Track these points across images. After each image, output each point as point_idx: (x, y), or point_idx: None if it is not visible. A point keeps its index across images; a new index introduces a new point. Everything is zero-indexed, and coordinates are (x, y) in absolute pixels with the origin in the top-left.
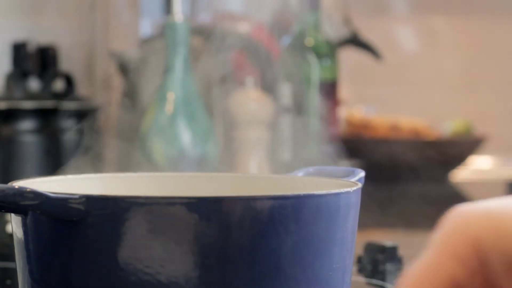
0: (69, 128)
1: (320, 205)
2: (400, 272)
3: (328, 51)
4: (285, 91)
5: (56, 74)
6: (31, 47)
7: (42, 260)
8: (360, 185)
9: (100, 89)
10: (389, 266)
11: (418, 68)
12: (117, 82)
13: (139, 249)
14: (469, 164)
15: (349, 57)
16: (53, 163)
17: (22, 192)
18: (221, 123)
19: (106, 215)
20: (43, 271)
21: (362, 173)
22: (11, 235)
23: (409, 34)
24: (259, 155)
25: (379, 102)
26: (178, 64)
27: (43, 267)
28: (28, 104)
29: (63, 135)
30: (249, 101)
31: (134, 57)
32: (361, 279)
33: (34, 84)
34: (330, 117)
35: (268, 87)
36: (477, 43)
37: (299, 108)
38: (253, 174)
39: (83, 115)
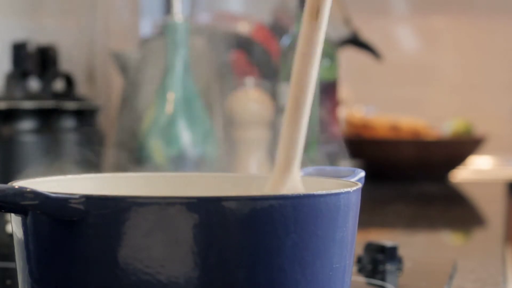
0: (69, 128)
1: (320, 205)
2: (400, 272)
3: (328, 51)
4: (285, 91)
5: (56, 74)
6: (31, 47)
7: (42, 260)
8: (360, 185)
9: (100, 89)
10: (389, 266)
11: (418, 68)
12: (117, 82)
13: (139, 249)
14: (469, 164)
15: (349, 57)
16: (53, 163)
17: (22, 192)
18: (221, 123)
19: (106, 215)
20: (43, 271)
21: (362, 173)
22: (11, 235)
23: (409, 34)
24: (259, 155)
25: (379, 102)
26: (178, 64)
27: (43, 267)
28: (28, 104)
29: (63, 135)
30: (249, 101)
31: (134, 57)
32: (361, 279)
33: (34, 84)
34: (330, 117)
35: (268, 87)
36: (477, 43)
37: None
38: (253, 174)
39: (83, 115)
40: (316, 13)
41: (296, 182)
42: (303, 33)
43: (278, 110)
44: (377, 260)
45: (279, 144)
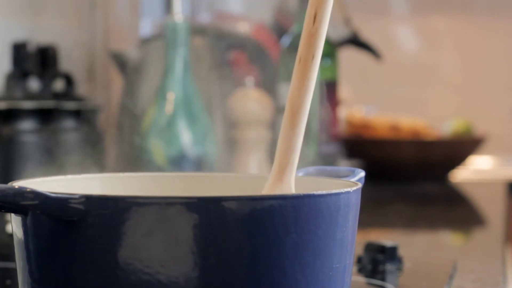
0: (69, 128)
1: (320, 205)
2: (400, 272)
3: (328, 51)
4: (285, 91)
5: (56, 74)
6: (31, 47)
7: (42, 260)
8: (360, 185)
9: (100, 89)
10: (389, 266)
11: (418, 68)
12: (117, 82)
13: (139, 249)
14: (469, 164)
15: (349, 57)
16: (53, 163)
17: (22, 192)
18: (221, 123)
19: (106, 215)
20: (43, 271)
21: (362, 173)
22: (11, 235)
23: (409, 34)
24: (259, 155)
25: (379, 102)
26: (178, 64)
27: (43, 267)
28: (28, 104)
29: (63, 135)
30: (249, 101)
31: (134, 57)
32: (361, 279)
33: (34, 84)
34: (330, 117)
35: (268, 87)
36: (477, 43)
37: None
38: (253, 174)
39: (83, 115)
40: (314, 18)
41: (289, 190)
42: (302, 38)
43: (278, 110)
44: (377, 260)
45: (276, 150)
